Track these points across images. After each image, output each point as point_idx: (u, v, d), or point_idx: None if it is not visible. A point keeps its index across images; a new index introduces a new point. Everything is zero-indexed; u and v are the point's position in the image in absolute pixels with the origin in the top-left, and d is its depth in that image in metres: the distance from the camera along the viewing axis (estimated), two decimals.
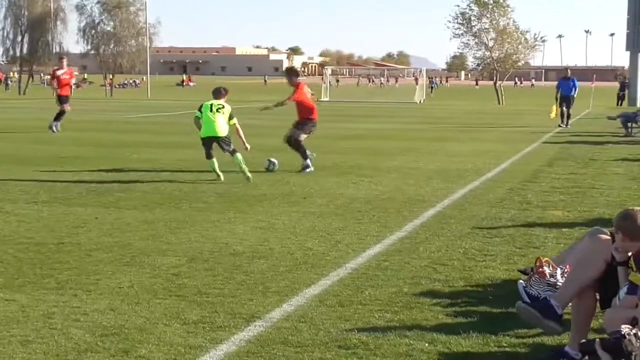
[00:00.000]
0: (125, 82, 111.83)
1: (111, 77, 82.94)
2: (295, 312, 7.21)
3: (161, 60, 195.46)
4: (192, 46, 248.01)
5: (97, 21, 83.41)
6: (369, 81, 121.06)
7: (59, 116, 27.83)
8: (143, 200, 13.37)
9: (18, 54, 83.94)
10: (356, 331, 6.67)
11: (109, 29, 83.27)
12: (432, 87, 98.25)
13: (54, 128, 27.12)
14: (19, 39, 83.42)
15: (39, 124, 29.62)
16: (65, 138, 22.36)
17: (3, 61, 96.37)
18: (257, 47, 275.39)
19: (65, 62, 29.95)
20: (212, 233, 10.66)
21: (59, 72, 28.91)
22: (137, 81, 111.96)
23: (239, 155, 15.70)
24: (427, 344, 6.39)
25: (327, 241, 10.26)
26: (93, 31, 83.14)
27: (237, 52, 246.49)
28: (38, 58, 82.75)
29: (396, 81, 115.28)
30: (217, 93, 16.41)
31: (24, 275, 8.40)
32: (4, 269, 8.62)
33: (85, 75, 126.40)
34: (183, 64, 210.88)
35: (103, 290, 7.83)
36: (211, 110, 15.81)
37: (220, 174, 15.59)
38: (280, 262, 9.11)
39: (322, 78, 79.82)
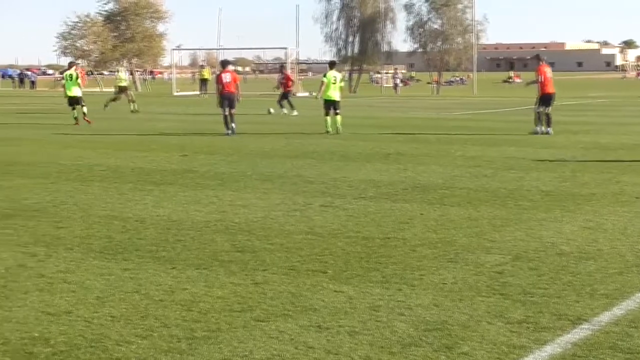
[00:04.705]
0: (452, 79, 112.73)
1: (438, 74, 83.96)
2: (625, 316, 6.89)
3: (487, 57, 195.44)
4: (519, 42, 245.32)
5: (424, 19, 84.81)
6: None
7: None
8: (467, 197, 13.37)
9: (349, 53, 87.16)
10: None
11: (436, 26, 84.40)
12: None
13: None
14: (350, 39, 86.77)
15: (367, 122, 30.46)
16: (390, 136, 22.86)
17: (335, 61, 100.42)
18: (588, 41, 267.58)
19: None
20: (538, 232, 10.46)
21: None
22: (464, 78, 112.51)
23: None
24: None
25: None
26: (421, 29, 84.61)
27: (567, 47, 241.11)
28: (367, 57, 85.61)
29: None
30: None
31: (351, 267, 8.66)
32: (333, 262, 8.93)
33: (413, 73, 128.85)
34: (510, 61, 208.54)
35: (427, 286, 7.89)
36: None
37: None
38: (609, 264, 8.77)
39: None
